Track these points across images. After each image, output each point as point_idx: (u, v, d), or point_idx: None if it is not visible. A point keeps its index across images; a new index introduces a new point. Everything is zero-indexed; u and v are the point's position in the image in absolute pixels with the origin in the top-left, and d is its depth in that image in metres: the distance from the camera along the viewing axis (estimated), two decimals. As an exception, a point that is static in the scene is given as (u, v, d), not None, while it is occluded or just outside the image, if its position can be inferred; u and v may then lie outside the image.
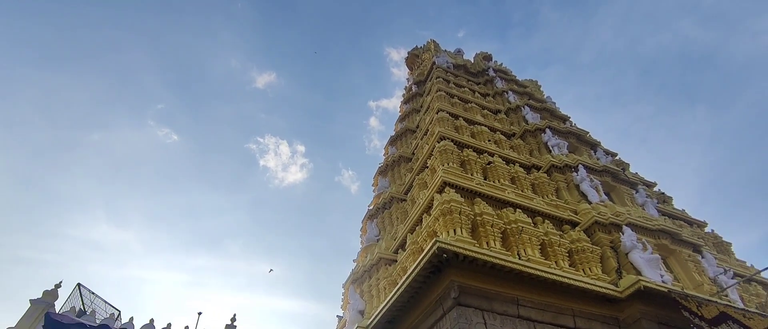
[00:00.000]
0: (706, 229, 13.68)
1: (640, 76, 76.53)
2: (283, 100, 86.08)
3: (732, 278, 10.18)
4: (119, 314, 10.32)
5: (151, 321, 6.43)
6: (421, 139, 16.50)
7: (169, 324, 6.37)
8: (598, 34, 78.72)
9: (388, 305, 9.47)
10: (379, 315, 9.88)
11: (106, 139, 62.55)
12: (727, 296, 9.46)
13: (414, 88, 22.96)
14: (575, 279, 8.58)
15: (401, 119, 21.28)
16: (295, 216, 77.27)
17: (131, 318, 6.67)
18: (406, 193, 15.18)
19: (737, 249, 12.88)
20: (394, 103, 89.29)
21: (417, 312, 9.22)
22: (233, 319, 8.46)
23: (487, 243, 9.49)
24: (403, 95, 24.44)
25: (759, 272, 10.83)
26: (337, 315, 14.56)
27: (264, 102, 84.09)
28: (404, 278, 8.96)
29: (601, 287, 8.67)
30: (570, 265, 9.90)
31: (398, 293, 9.12)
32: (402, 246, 12.64)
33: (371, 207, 16.16)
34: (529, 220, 10.41)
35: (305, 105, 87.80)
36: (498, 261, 8.12)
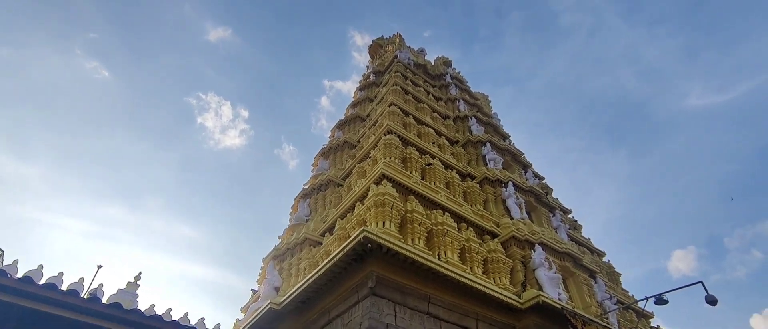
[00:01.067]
0: (604, 259, 15.28)
1: (579, 111, 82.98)
2: (235, 59, 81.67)
3: (615, 304, 11.50)
4: (1, 254, 9.23)
5: (40, 267, 5.82)
6: (369, 129, 16.56)
7: (61, 273, 5.81)
8: (551, 65, 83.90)
9: (306, 285, 9.47)
10: (295, 294, 9.85)
11: (20, 57, 55.23)
12: (607, 319, 10.68)
13: (372, 77, 22.92)
14: (485, 286, 9.17)
15: (353, 105, 21.17)
16: (225, 182, 74.04)
17: (15, 261, 5.99)
18: (344, 179, 15.18)
19: (625, 280, 14.54)
20: (349, 87, 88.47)
21: (332, 297, 9.32)
22: (137, 278, 7.92)
23: (412, 240, 9.80)
24: (360, 82, 24.31)
25: (636, 302, 12.34)
26: (252, 289, 14.27)
27: (213, 57, 79.21)
28: (327, 260, 9.00)
29: (507, 296, 9.36)
30: (483, 272, 10.55)
31: (318, 275, 9.15)
32: (330, 230, 12.65)
33: (306, 187, 15.97)
34: (455, 225, 10.91)
35: (257, 69, 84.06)
36: (419, 258, 8.43)
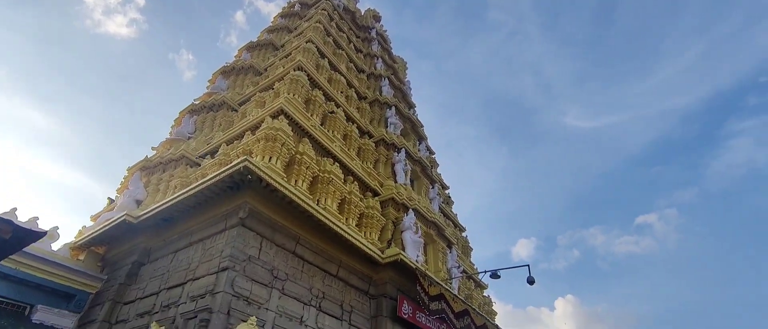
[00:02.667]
0: (463, 234, 17.31)
1: (481, 103, 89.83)
2: (142, -67, 68.59)
3: (460, 272, 13.25)
4: None
5: None
6: (280, 60, 15.65)
7: None
8: (469, 53, 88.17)
9: (173, 203, 8.92)
10: (158, 210, 9.23)
11: None
12: (451, 284, 12.29)
13: (297, 7, 21.42)
14: (355, 237, 9.72)
15: (270, 30, 19.67)
16: (99, 72, 63.72)
17: None
18: (240, 105, 14.27)
19: (474, 255, 16.77)
20: (269, 9, 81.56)
21: (198, 221, 8.97)
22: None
23: (296, 181, 9.79)
24: (284, 8, 22.53)
25: (476, 273, 14.40)
26: (110, 198, 12.93)
27: None
28: (201, 182, 8.55)
29: (371, 250, 10.07)
30: (357, 225, 11.12)
31: (188, 194, 8.67)
32: (212, 153, 11.94)
33: (197, 102, 14.65)
34: (342, 176, 11.18)
35: (169, -45, 72.08)
36: (297, 199, 8.50)
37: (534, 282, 10.62)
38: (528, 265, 10.99)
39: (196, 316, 7.10)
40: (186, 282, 8.03)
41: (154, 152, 13.30)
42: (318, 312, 8.79)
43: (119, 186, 12.37)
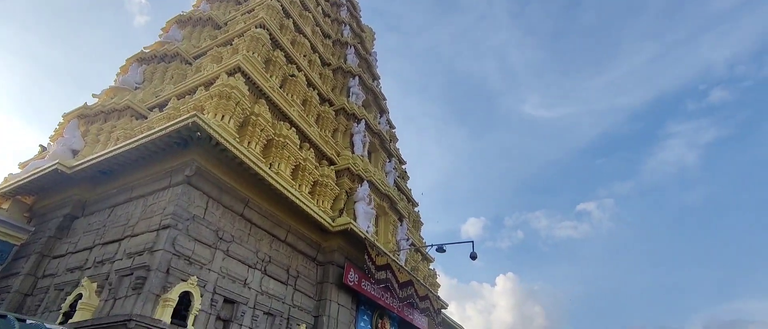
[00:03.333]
0: (416, 209, 17.73)
1: (445, 82, 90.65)
2: None
3: (409, 245, 13.64)
4: None
5: None
6: (242, 15, 14.82)
7: None
8: (438, 32, 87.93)
9: (113, 154, 8.40)
10: (96, 161, 8.67)
11: None
12: (398, 255, 12.65)
13: (263, -40, 20.18)
14: (306, 204, 9.67)
15: (232, -19, 18.45)
16: (36, 4, 57.46)
17: None
18: (195, 58, 13.47)
19: (424, 230, 17.28)
20: (238, -38, 76.32)
21: (140, 176, 8.53)
22: None
23: (249, 142, 9.50)
24: (249, -41, 21.15)
25: (423, 246, 14.92)
26: (41, 145, 11.94)
27: None
28: (146, 134, 8.08)
29: (322, 217, 10.09)
30: (310, 193, 11.05)
31: (131, 147, 8.18)
32: (161, 107, 11.28)
33: (147, 51, 13.65)
34: (298, 142, 10.98)
35: None
36: (248, 161, 8.28)
37: (476, 257, 11.15)
38: (472, 242, 11.51)
39: (132, 273, 6.86)
40: (123, 239, 7.69)
41: (96, 100, 12.35)
42: (263, 275, 8.77)
43: (53, 133, 11.44)
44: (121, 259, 7.30)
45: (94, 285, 7.13)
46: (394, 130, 18.90)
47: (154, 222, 7.43)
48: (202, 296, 7.27)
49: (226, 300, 7.84)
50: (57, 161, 8.87)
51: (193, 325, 6.96)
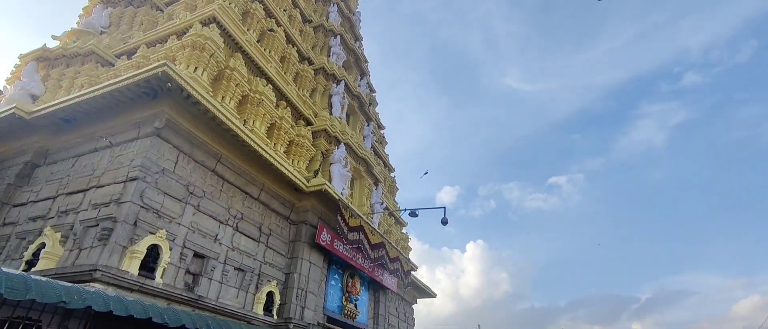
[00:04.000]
0: (392, 174, 17.88)
1: (428, 50, 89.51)
2: None
3: (383, 208, 13.85)
4: None
5: None
6: (218, -39, 13.92)
7: None
8: (426, 3, 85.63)
9: (77, 101, 7.99)
10: (59, 107, 8.23)
11: None
12: (372, 218, 12.85)
13: None
14: (280, 163, 9.58)
15: None
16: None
17: None
18: (167, 5, 12.70)
19: (399, 196, 17.52)
20: None
21: (106, 125, 8.18)
22: None
23: (223, 97, 9.21)
24: None
25: (396, 210, 15.19)
26: (-2, 86, 11.21)
27: None
28: (113, 81, 7.68)
29: (296, 177, 10.05)
30: (285, 152, 10.93)
31: (96, 94, 7.78)
32: (129, 54, 10.70)
33: (114, -8, 12.74)
34: (274, 100, 10.71)
35: None
36: (221, 116, 8.05)
37: (447, 223, 11.45)
38: (444, 208, 11.78)
39: (98, 224, 6.72)
40: (89, 189, 7.47)
41: (56, 43, 11.57)
42: (234, 231, 8.77)
43: (9, 76, 10.72)
44: (87, 210, 7.12)
45: (58, 234, 6.96)
46: (374, 94, 18.67)
47: (121, 174, 7.22)
48: (171, 250, 7.24)
49: (196, 255, 7.84)
50: (14, 105, 8.39)
51: (161, 278, 6.96)
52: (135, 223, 6.71)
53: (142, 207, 6.87)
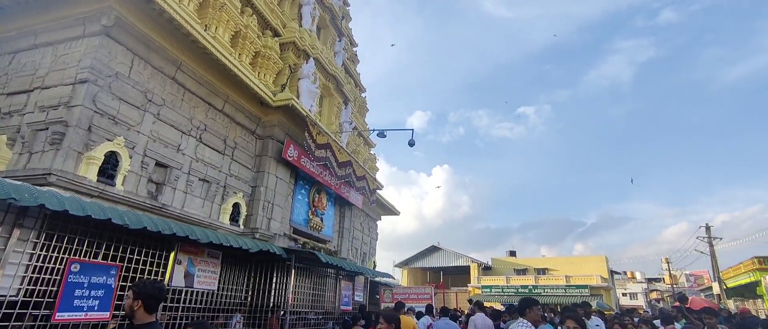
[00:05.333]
0: (362, 94, 17.59)
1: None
2: None
3: (351, 127, 13.84)
4: None
5: None
6: None
7: None
8: None
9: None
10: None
11: None
12: (340, 137, 12.86)
13: None
14: (246, 74, 9.16)
15: None
16: None
17: None
18: None
19: (369, 117, 17.42)
20: None
21: (43, 18, 7.36)
22: None
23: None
24: None
25: (365, 131, 15.24)
26: None
27: None
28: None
29: (262, 90, 9.71)
30: (251, 63, 10.39)
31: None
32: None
33: None
34: (239, 6, 9.90)
35: None
36: (179, 17, 7.40)
37: (414, 144, 11.68)
38: (412, 130, 11.93)
39: (47, 128, 6.36)
40: (33, 90, 6.92)
41: None
42: (198, 142, 8.59)
43: None
44: (33, 112, 6.67)
45: (4, 137, 6.57)
46: (347, 8, 17.58)
47: (68, 75, 6.69)
48: (131, 157, 7.05)
49: (159, 164, 7.70)
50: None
51: (122, 185, 6.87)
52: (89, 129, 6.40)
53: (95, 112, 6.51)
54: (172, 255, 6.01)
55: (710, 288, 31.50)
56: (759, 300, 23.89)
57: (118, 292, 5.27)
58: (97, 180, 6.40)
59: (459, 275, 40.40)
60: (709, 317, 4.81)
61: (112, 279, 5.21)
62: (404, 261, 41.80)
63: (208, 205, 8.76)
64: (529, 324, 4.42)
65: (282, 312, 8.49)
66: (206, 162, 8.71)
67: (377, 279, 14.47)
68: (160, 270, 5.91)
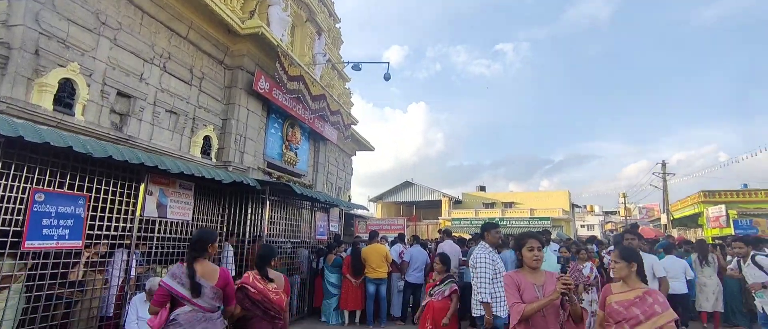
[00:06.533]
0: (337, 25, 16.77)
1: None
2: None
3: (324, 59, 13.36)
4: None
5: None
6: None
7: None
8: None
9: None
10: None
11: None
12: (313, 69, 12.44)
13: None
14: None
15: None
16: None
17: None
18: None
19: (343, 49, 16.76)
20: None
21: None
22: None
23: None
24: None
25: (340, 63, 14.79)
26: None
27: None
28: None
29: (229, 16, 9.09)
30: (214, -14, 9.59)
31: None
32: None
33: None
34: None
35: None
36: (127, -72, 6.62)
37: (390, 78, 11.50)
38: (387, 63, 11.73)
39: (-10, 50, 5.83)
40: (-33, 7, 6.22)
41: None
42: (163, 72, 8.13)
43: None
44: (-29, 33, 6.05)
45: (-59, 60, 5.99)
46: (319, -75, 16.10)
47: (5, -9, 6.01)
48: (89, 86, 6.64)
49: (121, 94, 7.32)
50: None
51: (82, 116, 6.53)
52: (36, 52, 5.91)
53: (41, 33, 5.97)
54: (142, 186, 5.93)
55: (659, 219, 34.33)
56: (699, 229, 26.37)
57: (89, 222, 5.23)
58: (54, 109, 6.06)
59: (431, 209, 42.13)
60: (632, 237, 5.37)
61: (81, 208, 5.13)
62: (379, 195, 42.99)
63: (177, 138, 8.53)
64: (490, 248, 4.75)
65: (264, 242, 8.70)
66: (172, 92, 8.33)
67: (352, 211, 14.91)
68: (131, 201, 5.85)
